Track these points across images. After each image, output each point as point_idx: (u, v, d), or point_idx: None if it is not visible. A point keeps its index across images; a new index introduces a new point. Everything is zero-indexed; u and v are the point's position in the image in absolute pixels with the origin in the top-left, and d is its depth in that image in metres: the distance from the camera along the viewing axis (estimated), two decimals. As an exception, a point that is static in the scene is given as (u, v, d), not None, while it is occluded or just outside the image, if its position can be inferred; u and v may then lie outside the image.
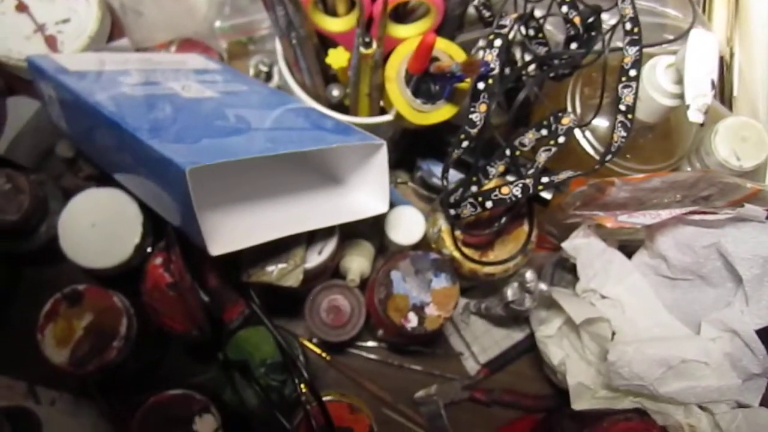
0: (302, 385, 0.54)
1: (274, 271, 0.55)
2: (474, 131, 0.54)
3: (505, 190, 0.54)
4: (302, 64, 0.57)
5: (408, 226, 0.64)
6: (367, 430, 0.55)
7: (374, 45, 0.53)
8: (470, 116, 0.54)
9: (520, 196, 0.54)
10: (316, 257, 0.57)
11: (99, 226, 0.57)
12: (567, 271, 0.69)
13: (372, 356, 0.71)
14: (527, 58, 0.60)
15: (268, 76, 0.70)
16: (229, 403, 0.55)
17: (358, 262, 0.63)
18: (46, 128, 0.65)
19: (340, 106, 0.61)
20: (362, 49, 0.52)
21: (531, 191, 0.54)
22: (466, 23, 0.60)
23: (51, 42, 0.61)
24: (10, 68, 0.61)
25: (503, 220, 0.58)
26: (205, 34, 0.71)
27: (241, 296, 0.57)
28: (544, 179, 0.54)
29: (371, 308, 0.61)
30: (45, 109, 0.59)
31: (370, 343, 0.71)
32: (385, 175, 0.55)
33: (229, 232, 0.47)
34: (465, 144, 0.55)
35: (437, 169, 0.68)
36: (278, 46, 0.59)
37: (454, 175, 0.69)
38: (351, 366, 0.70)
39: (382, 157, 0.54)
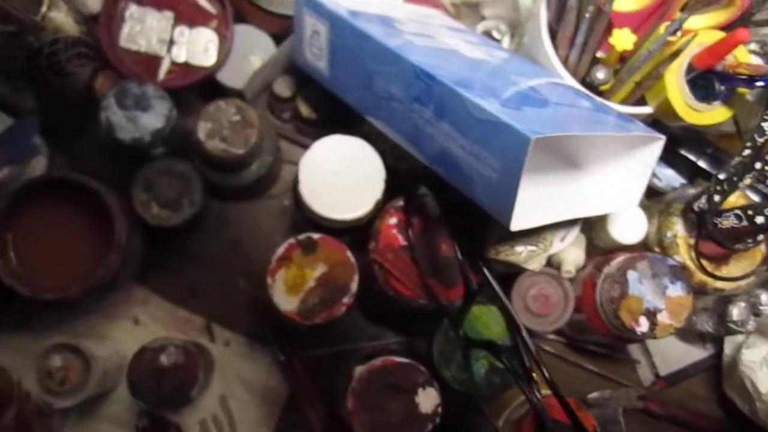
0: (534, 374, 0.52)
1: (523, 252, 0.52)
2: (761, 140, 0.51)
3: (783, 207, 0.51)
4: (579, 40, 0.53)
5: (630, 224, 0.61)
6: (593, 429, 0.53)
7: (679, 33, 0.49)
8: (762, 124, 0.51)
9: (799, 215, 0.51)
10: (558, 244, 0.55)
11: (341, 176, 0.54)
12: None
13: (549, 349, 0.69)
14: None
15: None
16: (451, 379, 0.53)
17: (574, 254, 0.61)
18: (276, 65, 0.62)
19: (590, 87, 0.57)
20: (670, 36, 0.49)
21: (813, 213, 0.51)
22: (750, 23, 0.56)
23: (305, -26, 0.57)
24: (255, -6, 0.58)
25: (761, 236, 0.55)
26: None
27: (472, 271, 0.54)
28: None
29: (587, 303, 0.59)
30: (297, 44, 0.56)
31: (551, 336, 0.69)
32: (650, 171, 0.52)
33: (525, 207, 0.44)
34: (747, 152, 0.52)
35: (659, 170, 0.65)
36: (542, 16, 0.56)
37: (673, 177, 0.66)
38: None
39: (654, 151, 0.51)
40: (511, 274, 0.61)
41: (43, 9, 0.50)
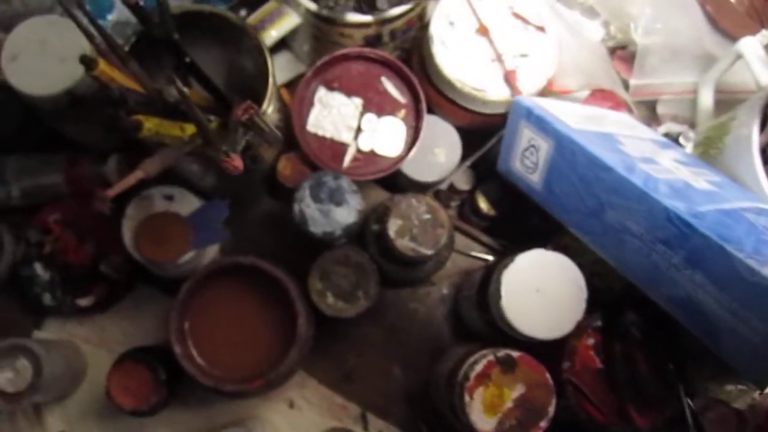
0: None
1: (732, 391, 0.50)
2: None
3: None
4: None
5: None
6: None
7: None
8: None
9: None
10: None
11: (542, 292, 0.52)
12: None
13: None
14: None
15: (673, 148, 0.65)
16: None
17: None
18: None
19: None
20: None
21: None
22: None
23: (510, 77, 0.56)
24: (455, 91, 0.57)
25: None
26: (608, 84, 0.66)
27: (668, 397, 0.53)
28: None
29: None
30: (505, 152, 0.54)
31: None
32: None
33: None
34: None
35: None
36: (754, 142, 0.54)
37: None
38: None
39: None
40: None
41: (264, 106, 0.49)
